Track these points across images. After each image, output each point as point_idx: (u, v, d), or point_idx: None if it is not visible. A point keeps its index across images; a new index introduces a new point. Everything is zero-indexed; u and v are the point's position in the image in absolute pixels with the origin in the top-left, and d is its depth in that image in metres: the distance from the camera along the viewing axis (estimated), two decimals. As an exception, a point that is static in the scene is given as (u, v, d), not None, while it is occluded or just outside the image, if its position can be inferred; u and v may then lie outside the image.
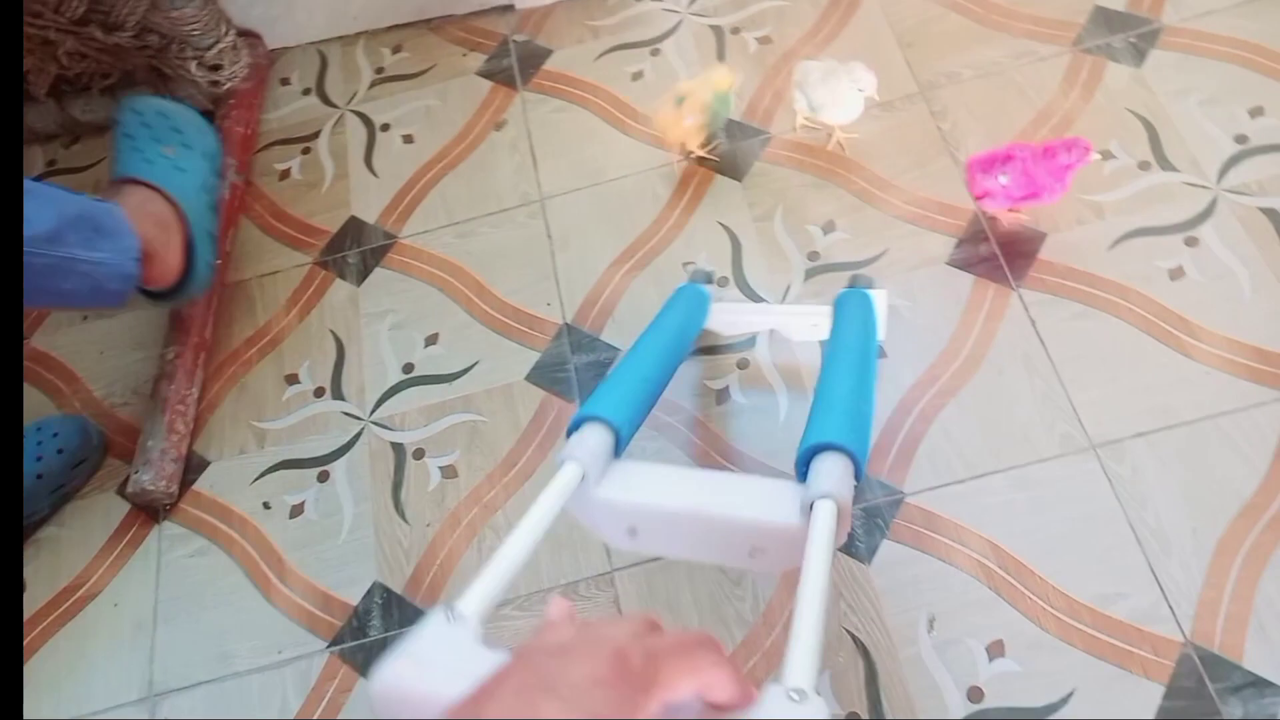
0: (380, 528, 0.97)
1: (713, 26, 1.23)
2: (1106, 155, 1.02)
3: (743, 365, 0.98)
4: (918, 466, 0.89)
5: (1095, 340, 0.92)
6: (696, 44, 1.22)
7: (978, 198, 0.98)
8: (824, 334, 0.87)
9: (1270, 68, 1.04)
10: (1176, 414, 0.87)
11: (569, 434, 0.66)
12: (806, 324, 0.93)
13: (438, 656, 0.40)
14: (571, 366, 1.02)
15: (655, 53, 1.23)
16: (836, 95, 1.02)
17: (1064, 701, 0.77)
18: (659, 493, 0.61)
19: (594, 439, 0.64)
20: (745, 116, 1.15)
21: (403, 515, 0.97)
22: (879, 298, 0.88)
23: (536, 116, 1.22)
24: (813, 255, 1.03)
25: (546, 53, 1.27)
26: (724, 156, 1.12)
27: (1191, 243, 0.96)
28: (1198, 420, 0.86)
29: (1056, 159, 0.91)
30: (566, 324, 1.05)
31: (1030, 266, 0.97)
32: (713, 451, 0.94)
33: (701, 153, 1.11)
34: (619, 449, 0.66)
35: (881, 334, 0.92)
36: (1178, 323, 0.91)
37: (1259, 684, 0.75)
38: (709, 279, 0.95)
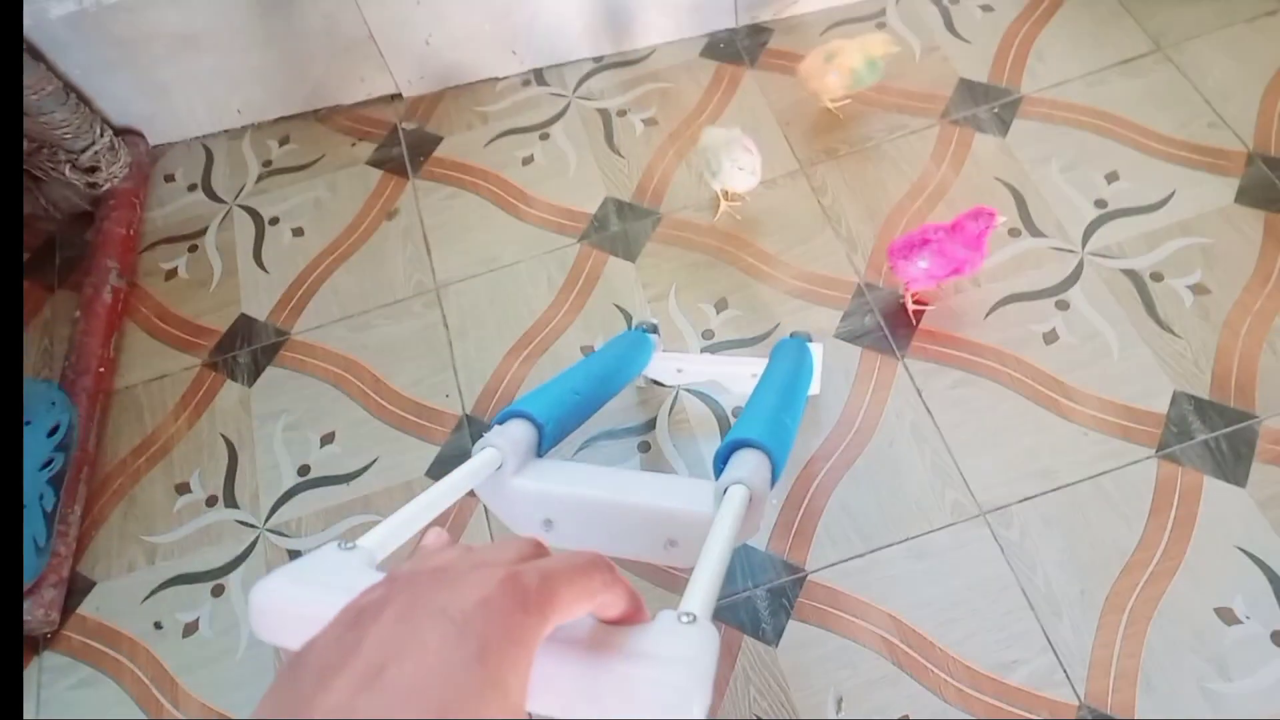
0: (277, 645, 0.93)
1: (600, 110, 1.25)
2: (979, 223, 1.07)
3: (644, 449, 0.99)
4: (818, 543, 0.90)
5: (978, 406, 0.95)
6: (585, 126, 1.24)
7: (905, 285, 1.01)
8: None
9: (1119, 133, 1.11)
10: (1058, 476, 0.90)
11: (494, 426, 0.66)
12: (746, 373, 0.95)
13: (324, 576, 0.37)
14: (472, 460, 1.01)
15: (545, 137, 1.24)
16: (736, 161, 1.04)
17: (970, 774, 0.78)
18: (576, 484, 0.61)
19: (517, 431, 0.63)
20: (635, 197, 1.17)
21: (301, 629, 0.93)
22: (815, 349, 0.90)
23: (428, 204, 1.21)
24: (708, 334, 1.05)
25: (436, 140, 1.27)
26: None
27: (1062, 306, 1.00)
28: (1077, 482, 0.89)
29: (967, 230, 0.93)
30: (466, 415, 1.04)
31: (913, 336, 1.00)
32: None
33: (831, 106, 1.18)
34: (542, 448, 0.66)
35: (816, 387, 0.94)
36: (1054, 385, 0.95)
37: (1149, 743, 0.77)
38: (654, 329, 0.96)
